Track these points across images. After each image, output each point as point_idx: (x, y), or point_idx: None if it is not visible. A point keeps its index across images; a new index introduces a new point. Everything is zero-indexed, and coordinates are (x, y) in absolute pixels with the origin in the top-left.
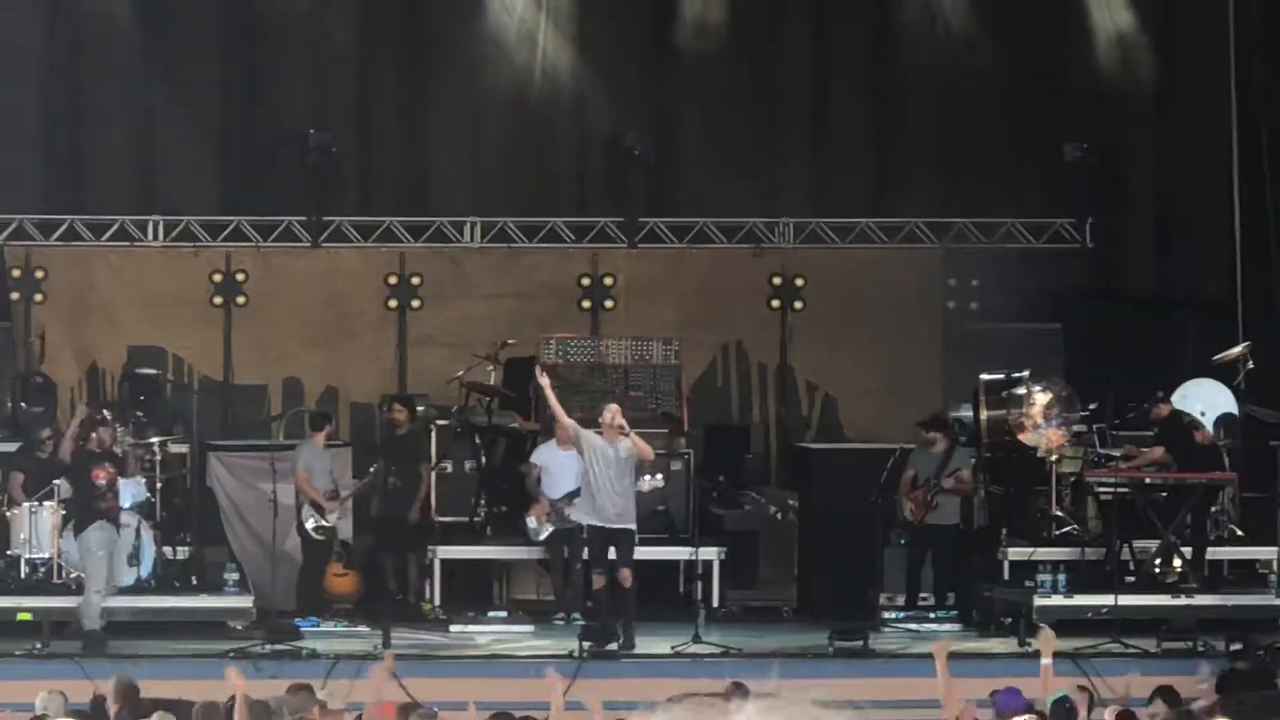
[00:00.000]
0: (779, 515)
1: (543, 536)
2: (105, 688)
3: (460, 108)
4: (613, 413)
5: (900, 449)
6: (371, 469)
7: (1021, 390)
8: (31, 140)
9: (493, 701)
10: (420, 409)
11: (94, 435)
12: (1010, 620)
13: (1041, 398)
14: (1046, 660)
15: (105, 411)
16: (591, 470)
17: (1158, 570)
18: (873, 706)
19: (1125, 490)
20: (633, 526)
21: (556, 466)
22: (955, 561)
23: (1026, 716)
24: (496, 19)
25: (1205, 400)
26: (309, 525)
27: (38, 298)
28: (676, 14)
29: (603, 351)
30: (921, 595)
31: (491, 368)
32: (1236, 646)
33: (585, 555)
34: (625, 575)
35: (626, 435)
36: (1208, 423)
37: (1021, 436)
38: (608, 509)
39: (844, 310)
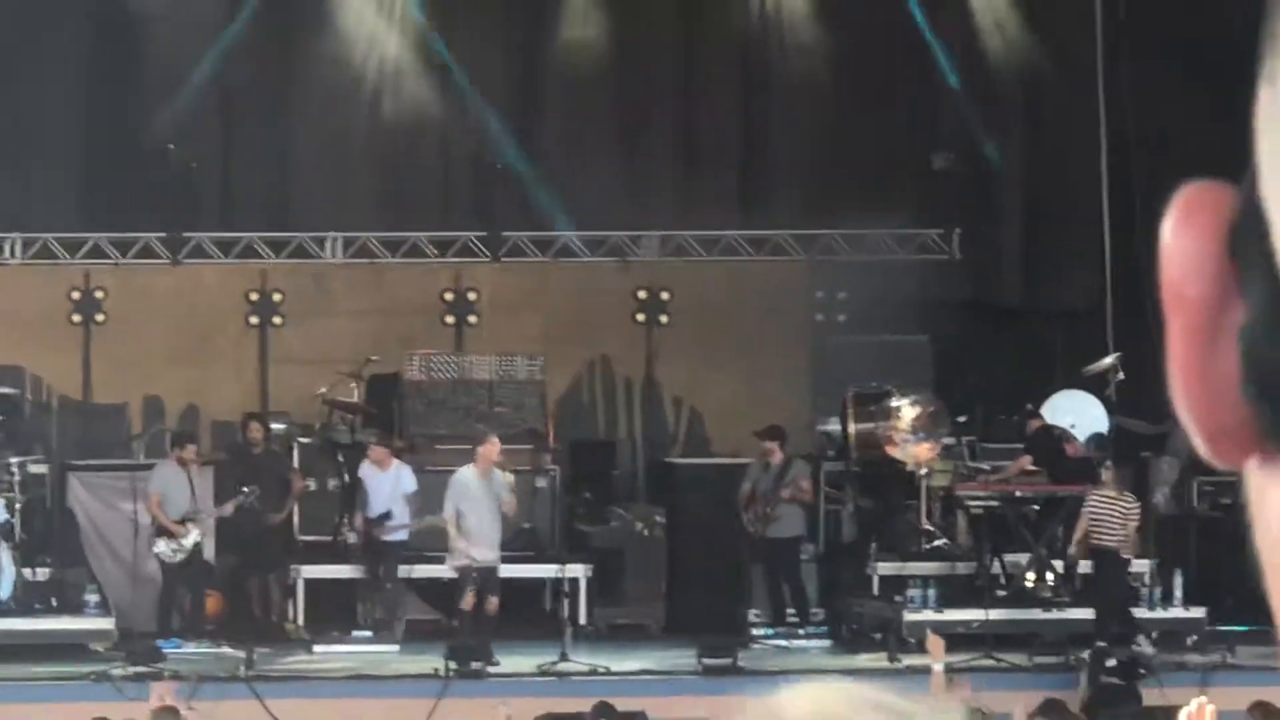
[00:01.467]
0: (646, 531)
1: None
2: None
3: (322, 122)
4: (494, 446)
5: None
6: (244, 489)
7: (890, 404)
8: None
9: None
10: (282, 426)
11: None
12: (880, 635)
13: (909, 411)
14: (938, 667)
15: None
16: (470, 505)
17: (1029, 584)
18: None
19: (996, 504)
20: (497, 558)
21: (374, 485)
22: (824, 576)
23: None
24: (355, 33)
25: (1075, 412)
26: (158, 549)
27: None
28: (544, 27)
29: (467, 368)
30: (789, 611)
31: (355, 384)
32: (1110, 661)
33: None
34: (493, 604)
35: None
36: (1079, 434)
37: (890, 450)
38: (484, 543)
39: (711, 324)
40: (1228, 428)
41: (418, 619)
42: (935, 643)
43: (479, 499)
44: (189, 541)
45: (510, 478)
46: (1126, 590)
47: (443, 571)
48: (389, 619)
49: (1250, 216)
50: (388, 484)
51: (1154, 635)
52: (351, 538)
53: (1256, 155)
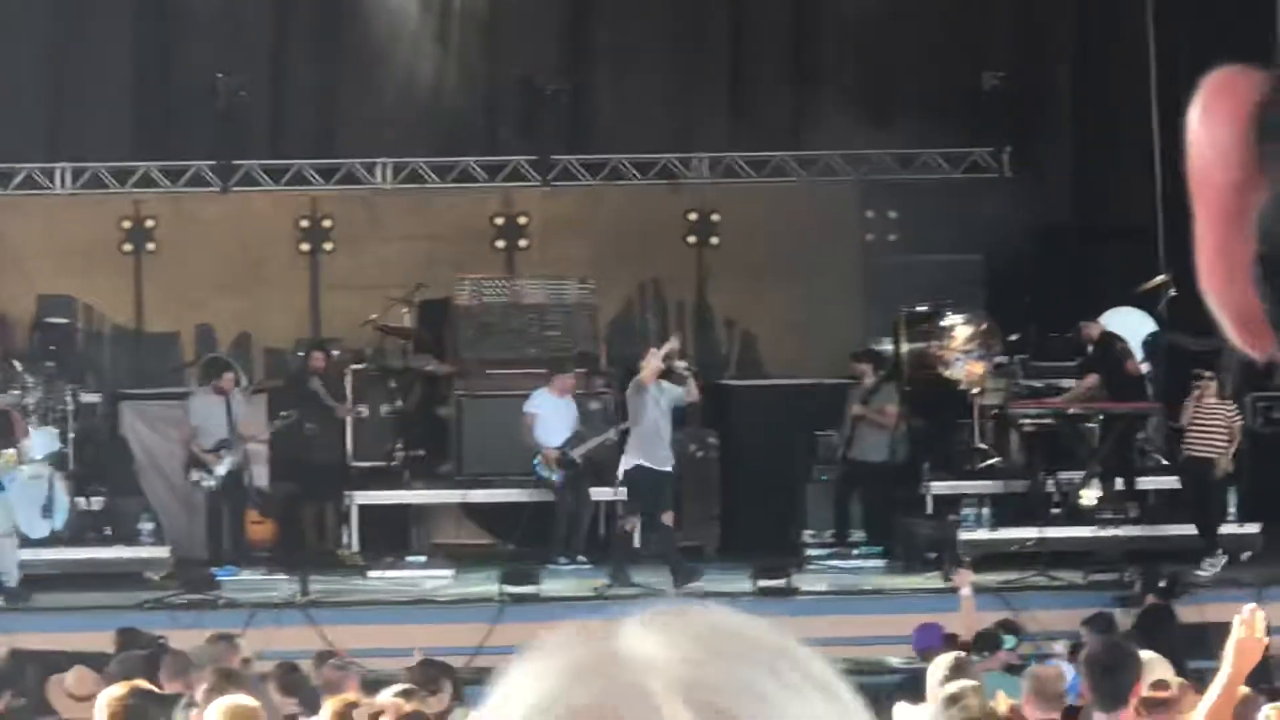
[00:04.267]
0: (700, 454)
1: (555, 478)
2: (22, 642)
3: (371, 48)
4: (670, 351)
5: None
6: (283, 414)
7: (942, 323)
8: None
9: (414, 647)
10: (335, 353)
11: None
12: (935, 555)
13: (962, 330)
14: (966, 591)
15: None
16: (648, 413)
17: (1083, 502)
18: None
19: (1050, 421)
20: (671, 469)
21: (552, 413)
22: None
23: (951, 654)
24: None
25: (1128, 329)
26: (192, 478)
27: None
28: None
29: (518, 292)
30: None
31: (406, 310)
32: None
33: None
34: (669, 516)
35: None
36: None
37: (943, 371)
38: (658, 452)
39: (761, 245)
40: (1249, 313)
41: (470, 543)
42: (963, 575)
43: (663, 407)
44: (221, 469)
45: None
46: (1224, 504)
47: (498, 496)
48: (574, 536)
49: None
50: (570, 410)
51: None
52: (543, 471)
53: None
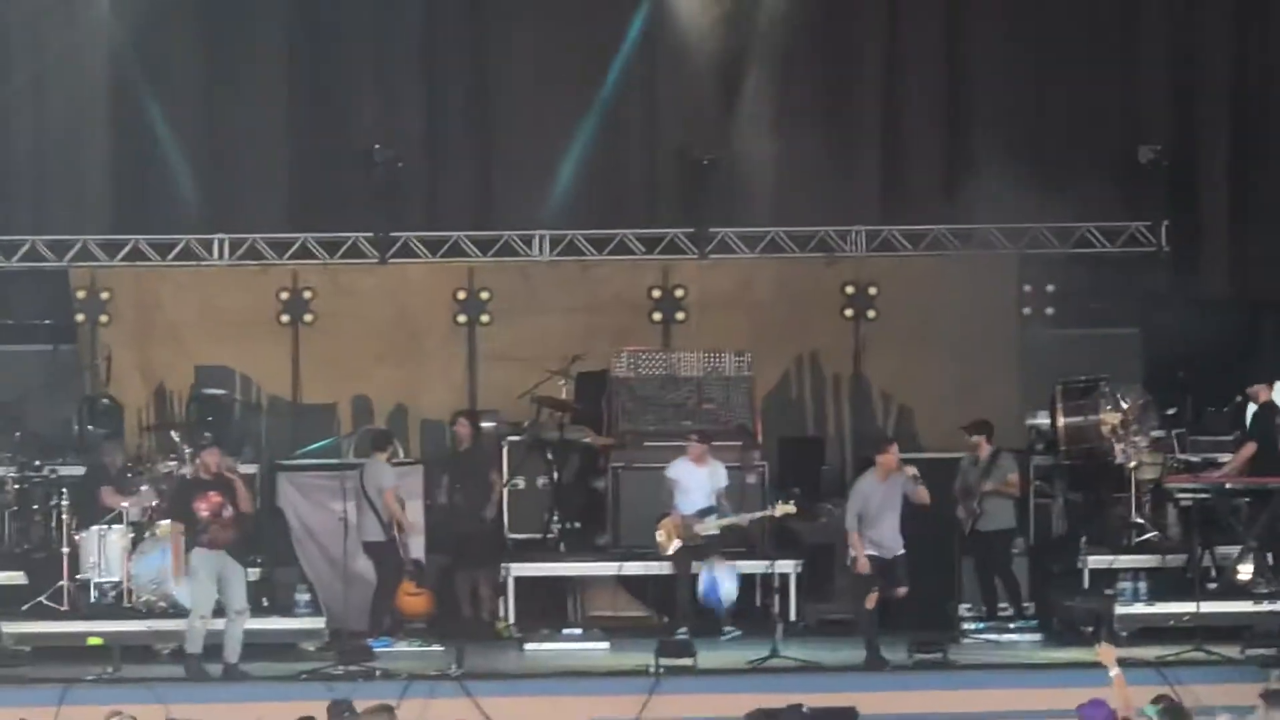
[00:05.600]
0: None
1: (670, 551)
2: (179, 712)
3: (527, 119)
4: (894, 452)
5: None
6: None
7: (1099, 397)
8: (97, 160)
9: None
10: (492, 424)
11: (199, 461)
12: (1091, 629)
13: (1120, 405)
14: (1115, 671)
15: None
16: (869, 503)
17: (1239, 576)
18: None
19: (1206, 496)
20: (901, 551)
21: (691, 482)
22: (1034, 570)
23: None
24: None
25: None
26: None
27: (103, 319)
28: (747, 20)
29: (675, 364)
30: (1000, 605)
31: (563, 382)
32: None
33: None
34: (902, 591)
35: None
36: None
37: (1102, 449)
38: (886, 542)
39: (918, 318)
40: None
41: (626, 615)
42: (1106, 652)
43: (877, 499)
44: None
45: (911, 470)
46: None
47: (654, 568)
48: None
49: None
50: (706, 480)
51: None
52: (660, 537)
53: None
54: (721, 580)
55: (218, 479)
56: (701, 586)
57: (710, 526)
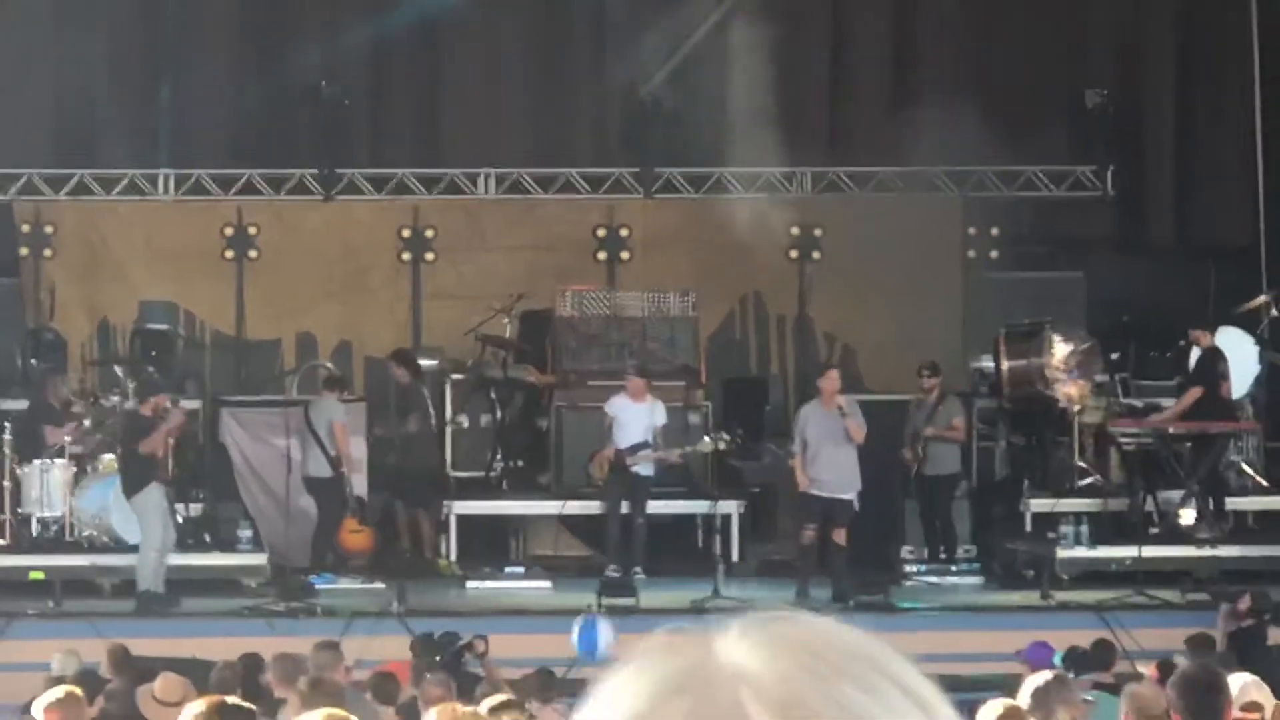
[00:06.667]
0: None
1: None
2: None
3: (474, 57)
4: (834, 377)
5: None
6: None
7: (1043, 340)
8: (41, 94)
9: (512, 658)
10: (435, 362)
11: (150, 401)
12: (1033, 573)
13: (1062, 348)
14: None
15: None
16: (807, 428)
17: (1181, 521)
18: None
19: (1149, 440)
20: (850, 497)
21: (628, 417)
22: (976, 513)
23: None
24: None
25: (1228, 349)
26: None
27: (47, 253)
28: None
29: (619, 304)
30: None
31: (507, 320)
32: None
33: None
34: (839, 534)
35: (839, 409)
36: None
37: (1044, 390)
38: (824, 477)
39: (863, 260)
40: None
41: (568, 555)
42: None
43: (825, 431)
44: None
45: (840, 400)
46: None
47: (595, 508)
48: (632, 552)
49: None
50: (643, 416)
51: None
52: (592, 470)
53: None
54: (601, 631)
55: (161, 417)
56: (576, 633)
57: (641, 460)
